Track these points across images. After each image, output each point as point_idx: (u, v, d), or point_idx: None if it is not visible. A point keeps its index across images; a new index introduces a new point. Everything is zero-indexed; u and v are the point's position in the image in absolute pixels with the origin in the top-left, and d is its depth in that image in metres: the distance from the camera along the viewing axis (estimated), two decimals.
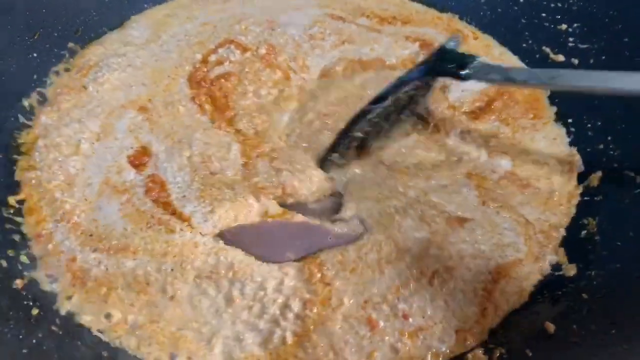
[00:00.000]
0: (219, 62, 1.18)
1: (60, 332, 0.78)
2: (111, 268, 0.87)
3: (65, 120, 1.06)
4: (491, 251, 0.91)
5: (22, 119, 1.06)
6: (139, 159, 1.01)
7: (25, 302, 0.80)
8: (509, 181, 1.03)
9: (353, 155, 1.05)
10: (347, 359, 0.80)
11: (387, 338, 0.82)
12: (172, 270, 0.86)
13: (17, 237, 0.89)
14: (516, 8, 1.31)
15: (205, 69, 1.17)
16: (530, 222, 0.97)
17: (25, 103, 1.08)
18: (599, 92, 0.90)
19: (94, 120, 1.06)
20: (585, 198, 1.00)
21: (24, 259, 0.87)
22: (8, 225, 0.90)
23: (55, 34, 1.20)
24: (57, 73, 1.16)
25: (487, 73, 0.96)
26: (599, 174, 1.01)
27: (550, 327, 0.80)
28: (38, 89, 1.12)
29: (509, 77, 0.95)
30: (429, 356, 0.81)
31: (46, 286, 0.85)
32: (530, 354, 0.77)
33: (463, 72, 0.96)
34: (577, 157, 1.06)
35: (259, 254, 0.89)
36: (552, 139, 1.11)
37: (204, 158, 1.01)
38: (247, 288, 0.84)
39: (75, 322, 0.82)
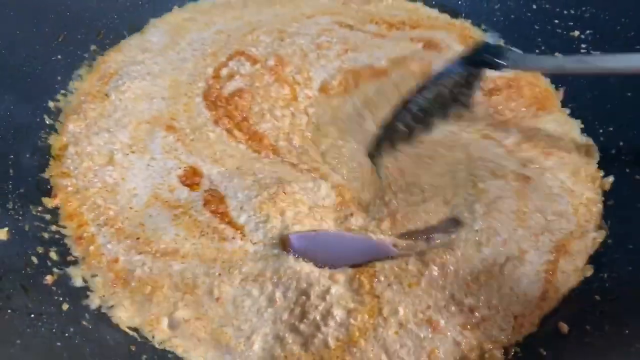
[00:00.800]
0: (230, 76, 1.20)
1: (90, 327, 0.81)
2: (156, 269, 0.89)
3: (93, 129, 1.08)
4: (553, 221, 0.95)
5: (48, 121, 1.09)
6: (191, 178, 1.02)
7: (56, 298, 0.83)
8: (530, 146, 1.09)
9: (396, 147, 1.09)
10: (404, 359, 0.82)
11: (449, 334, 0.83)
12: (219, 274, 0.88)
13: (46, 235, 0.92)
14: (529, 14, 1.34)
15: (218, 86, 1.18)
16: (572, 189, 1.00)
17: (51, 104, 1.11)
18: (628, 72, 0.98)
19: (123, 131, 1.08)
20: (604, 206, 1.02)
21: (53, 255, 0.89)
22: (37, 223, 0.93)
23: (79, 37, 1.23)
24: (80, 77, 1.19)
25: (522, 61, 1.06)
26: (611, 178, 1.03)
27: (564, 327, 0.82)
28: (62, 91, 1.15)
29: (542, 65, 1.08)
30: (488, 345, 0.82)
31: (79, 283, 0.88)
32: (545, 353, 0.79)
33: (500, 62, 1.03)
34: (593, 145, 1.10)
35: (315, 260, 0.90)
36: (563, 124, 1.16)
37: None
38: (289, 292, 0.86)
39: (105, 318, 0.84)
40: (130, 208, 0.97)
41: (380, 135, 1.09)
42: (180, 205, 0.98)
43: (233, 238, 0.93)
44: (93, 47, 1.24)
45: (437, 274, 0.87)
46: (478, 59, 1.07)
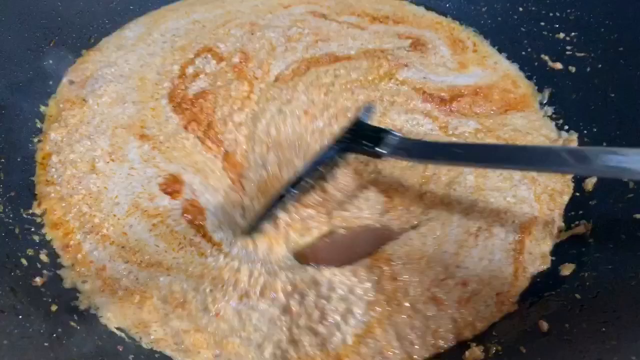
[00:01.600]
0: (195, 75, 1.21)
1: (79, 328, 0.82)
2: (142, 279, 0.91)
3: (75, 136, 1.08)
4: (514, 204, 1.02)
5: (39, 125, 1.10)
6: (172, 186, 1.02)
7: (44, 299, 0.84)
8: (491, 135, 1.14)
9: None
10: (414, 342, 0.85)
11: (449, 311, 0.88)
12: (210, 290, 0.89)
13: (36, 238, 0.93)
14: (516, 17, 1.35)
15: (183, 87, 1.18)
16: (535, 179, 1.05)
17: (42, 109, 1.13)
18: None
19: (103, 137, 1.09)
20: (580, 202, 1.03)
21: (43, 257, 0.91)
22: (27, 226, 0.95)
23: (70, 41, 1.24)
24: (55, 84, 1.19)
25: (404, 148, 0.95)
26: (594, 179, 1.05)
27: (544, 325, 0.83)
28: (54, 95, 1.16)
29: (427, 154, 0.94)
30: (477, 322, 0.88)
31: (68, 285, 0.90)
32: (524, 351, 0.81)
33: (379, 150, 0.95)
34: (573, 139, 1.13)
35: (336, 262, 0.92)
36: (533, 121, 1.20)
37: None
38: (307, 299, 0.87)
39: (93, 319, 0.86)
40: (114, 215, 0.99)
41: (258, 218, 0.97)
42: (158, 213, 0.99)
43: (212, 254, 0.94)
44: (84, 52, 1.26)
45: (432, 243, 0.96)
46: (355, 147, 0.98)
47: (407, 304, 0.88)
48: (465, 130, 1.15)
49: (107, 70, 1.21)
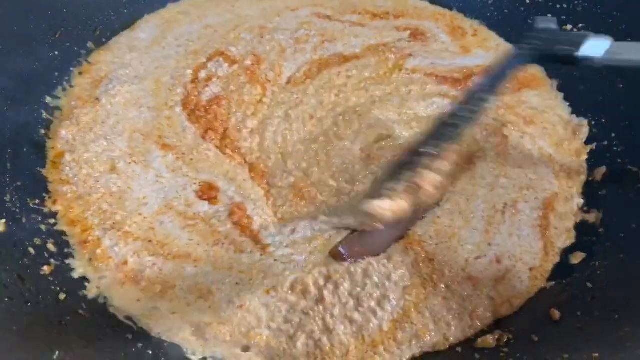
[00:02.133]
0: (208, 79, 1.20)
1: (87, 316, 0.82)
2: (167, 270, 0.90)
3: (90, 136, 1.07)
4: (535, 180, 1.03)
5: (45, 116, 1.10)
6: (208, 193, 1.01)
7: (52, 287, 0.84)
8: (509, 112, 1.14)
9: None
10: (451, 324, 0.85)
11: (485, 290, 0.89)
12: (237, 284, 0.89)
13: (43, 227, 0.93)
14: (522, 9, 1.35)
15: (196, 92, 1.17)
16: (552, 157, 1.07)
17: (49, 100, 1.12)
18: None
19: (120, 139, 1.08)
20: (590, 192, 1.03)
21: (51, 247, 0.90)
22: (34, 215, 0.94)
23: (75, 33, 1.24)
24: (68, 81, 1.18)
25: (611, 52, 0.83)
26: (603, 169, 1.04)
27: (556, 313, 0.83)
28: (60, 87, 1.16)
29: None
30: (513, 299, 0.89)
31: (77, 274, 0.89)
32: (537, 339, 0.80)
33: (580, 54, 0.83)
34: (583, 125, 1.12)
35: (369, 253, 0.92)
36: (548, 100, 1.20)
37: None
38: (341, 289, 0.87)
39: (102, 308, 0.85)
40: (140, 214, 0.97)
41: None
42: (199, 217, 0.98)
43: (251, 252, 0.93)
44: (90, 44, 1.25)
45: (459, 221, 0.98)
46: (550, 51, 0.86)
47: (442, 286, 0.88)
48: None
49: (121, 71, 1.20)
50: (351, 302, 0.86)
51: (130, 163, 1.04)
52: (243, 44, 1.28)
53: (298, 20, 1.37)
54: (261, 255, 0.93)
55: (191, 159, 1.06)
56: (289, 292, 0.87)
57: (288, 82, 1.22)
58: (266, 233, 0.96)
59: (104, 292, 0.88)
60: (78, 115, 1.10)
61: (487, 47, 1.32)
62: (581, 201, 1.02)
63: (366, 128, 1.12)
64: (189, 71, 1.22)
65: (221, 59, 1.24)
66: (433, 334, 0.84)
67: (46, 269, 0.86)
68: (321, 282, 0.88)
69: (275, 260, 0.92)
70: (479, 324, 0.86)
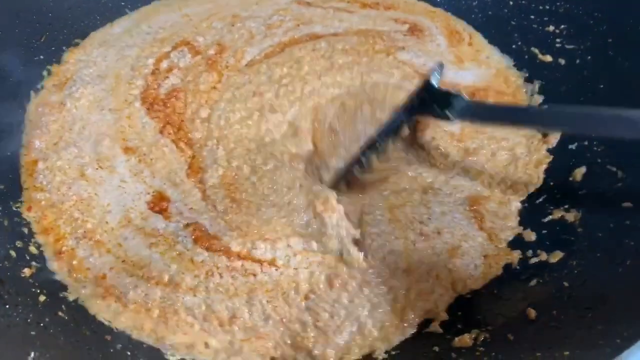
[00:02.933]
0: (169, 70, 1.19)
1: (67, 318, 0.82)
2: (155, 296, 0.87)
3: (60, 143, 1.06)
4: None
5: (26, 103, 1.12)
6: (158, 204, 0.99)
7: (33, 290, 0.84)
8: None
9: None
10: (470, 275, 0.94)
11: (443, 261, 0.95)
12: (268, 301, 0.88)
13: (25, 230, 0.94)
14: (506, 10, 1.35)
15: (155, 86, 1.16)
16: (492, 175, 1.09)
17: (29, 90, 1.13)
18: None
19: (88, 144, 1.06)
20: (570, 191, 1.03)
21: (32, 249, 0.91)
22: (16, 219, 0.95)
23: (61, 37, 1.24)
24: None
25: (472, 113, 0.96)
26: (583, 169, 1.05)
27: (532, 312, 0.83)
28: (34, 98, 1.14)
29: (501, 117, 0.97)
30: (469, 281, 0.94)
31: (58, 277, 0.90)
32: (512, 338, 0.81)
33: (448, 113, 0.95)
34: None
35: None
36: None
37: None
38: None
39: (81, 310, 0.86)
40: (107, 223, 0.97)
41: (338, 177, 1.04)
42: (159, 234, 0.95)
43: (263, 271, 0.91)
44: (67, 50, 1.25)
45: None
46: (425, 110, 1.00)
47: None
48: None
49: (86, 71, 1.19)
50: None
51: (97, 169, 1.03)
52: (212, 33, 1.28)
53: (275, 8, 1.36)
54: (277, 269, 0.91)
55: (151, 159, 1.05)
56: (328, 289, 0.89)
57: (246, 65, 1.21)
58: (259, 249, 0.93)
59: (86, 304, 0.87)
60: (47, 123, 1.08)
61: (479, 61, 1.31)
62: (518, 205, 1.06)
63: (307, 95, 1.12)
64: (151, 60, 1.21)
65: (185, 49, 1.23)
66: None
67: (26, 272, 0.87)
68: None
69: (294, 269, 0.92)
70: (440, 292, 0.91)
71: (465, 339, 0.84)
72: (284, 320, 0.86)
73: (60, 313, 0.83)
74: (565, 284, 0.87)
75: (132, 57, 1.22)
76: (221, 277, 0.90)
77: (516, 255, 0.97)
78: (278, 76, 1.17)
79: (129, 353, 0.81)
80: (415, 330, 0.89)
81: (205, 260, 0.91)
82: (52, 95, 1.15)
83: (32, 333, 0.76)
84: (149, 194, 1.01)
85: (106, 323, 0.85)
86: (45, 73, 1.19)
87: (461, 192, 1.05)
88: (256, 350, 0.84)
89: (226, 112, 1.11)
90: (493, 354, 0.79)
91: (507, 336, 0.81)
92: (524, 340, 0.80)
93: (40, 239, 0.94)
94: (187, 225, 0.96)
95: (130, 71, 1.19)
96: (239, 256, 0.92)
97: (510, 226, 1.02)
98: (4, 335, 0.72)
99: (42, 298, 0.84)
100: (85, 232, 0.95)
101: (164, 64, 1.20)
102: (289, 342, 0.85)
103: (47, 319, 0.80)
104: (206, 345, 0.85)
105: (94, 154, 1.05)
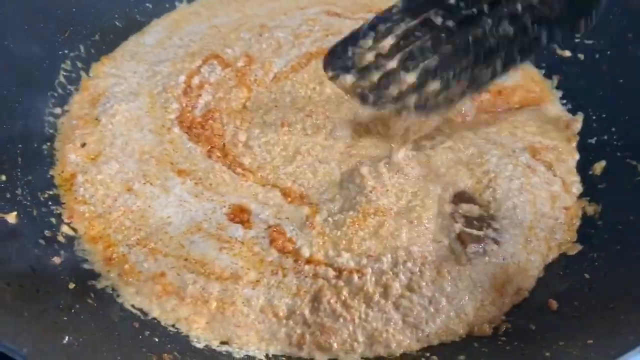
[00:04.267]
0: (201, 86, 1.18)
1: (96, 305, 0.84)
2: (213, 289, 0.88)
3: (100, 158, 1.05)
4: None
5: (56, 110, 1.13)
6: (239, 216, 0.98)
7: (62, 277, 0.86)
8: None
9: None
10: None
11: None
12: (337, 301, 0.86)
13: (54, 220, 0.96)
14: None
15: (190, 107, 1.15)
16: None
17: (57, 93, 1.15)
18: None
19: (131, 161, 1.06)
20: (589, 185, 1.04)
21: (60, 238, 0.93)
22: (44, 209, 0.97)
23: (84, 32, 1.26)
24: (68, 94, 1.18)
25: None
26: (603, 163, 1.05)
27: (554, 304, 0.85)
28: (66, 110, 1.16)
29: None
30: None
31: (87, 265, 0.92)
32: (533, 328, 0.82)
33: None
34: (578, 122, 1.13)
35: None
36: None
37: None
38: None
39: (110, 298, 0.88)
40: (166, 232, 0.96)
41: None
42: (236, 241, 0.95)
43: (327, 276, 0.89)
44: (99, 59, 1.27)
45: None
46: None
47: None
48: None
49: (118, 87, 1.18)
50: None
51: (145, 184, 1.02)
52: (240, 44, 1.27)
53: (304, 17, 1.35)
54: (340, 273, 0.90)
55: (210, 184, 1.03)
56: (408, 291, 0.87)
57: (273, 79, 1.20)
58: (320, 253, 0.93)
59: (141, 306, 0.88)
60: (82, 137, 1.08)
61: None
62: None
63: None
64: (182, 77, 1.19)
65: (215, 62, 1.22)
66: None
67: (56, 260, 0.88)
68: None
69: (360, 265, 0.90)
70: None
71: (484, 329, 0.85)
72: (361, 319, 0.85)
73: (89, 300, 0.84)
74: (587, 275, 0.88)
75: (164, 74, 1.22)
76: (285, 276, 0.90)
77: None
78: (301, 99, 1.16)
79: (156, 340, 0.83)
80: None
81: (274, 261, 0.92)
82: (84, 109, 1.15)
83: (65, 318, 0.77)
84: (224, 207, 1.00)
85: (134, 311, 0.87)
86: (76, 70, 1.21)
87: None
88: (317, 344, 0.84)
89: (262, 142, 1.09)
90: (515, 343, 0.80)
91: (529, 326, 0.82)
92: (545, 330, 0.81)
93: (88, 247, 0.95)
94: (269, 227, 0.96)
95: (163, 92, 1.18)
96: (309, 261, 0.92)
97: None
98: (39, 319, 0.74)
99: (71, 285, 0.85)
100: (139, 239, 0.95)
101: (195, 80, 1.19)
102: (367, 339, 0.84)
103: (77, 306, 0.81)
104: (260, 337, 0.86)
105: (139, 170, 1.04)
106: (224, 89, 1.18)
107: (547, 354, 0.73)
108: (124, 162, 1.05)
